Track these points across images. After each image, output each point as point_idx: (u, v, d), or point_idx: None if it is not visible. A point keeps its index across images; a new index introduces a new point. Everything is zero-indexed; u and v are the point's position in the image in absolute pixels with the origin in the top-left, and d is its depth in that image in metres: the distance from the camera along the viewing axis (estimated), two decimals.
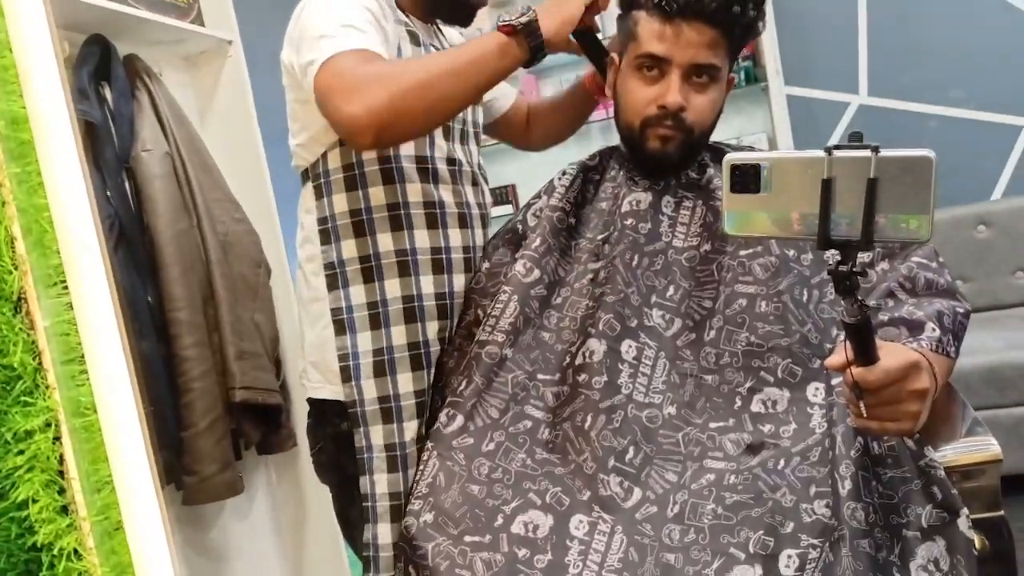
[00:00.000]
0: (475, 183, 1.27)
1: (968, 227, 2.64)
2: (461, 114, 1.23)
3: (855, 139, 0.66)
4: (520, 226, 1.20)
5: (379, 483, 1.11)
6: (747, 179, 0.69)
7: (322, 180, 1.16)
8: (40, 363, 0.50)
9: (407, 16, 1.20)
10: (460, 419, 1.05)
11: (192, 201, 1.62)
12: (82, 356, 0.52)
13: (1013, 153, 2.72)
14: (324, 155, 1.16)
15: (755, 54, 2.68)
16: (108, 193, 1.49)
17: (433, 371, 1.16)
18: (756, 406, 1.01)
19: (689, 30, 1.04)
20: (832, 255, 0.68)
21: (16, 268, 0.48)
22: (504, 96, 1.42)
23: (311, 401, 1.23)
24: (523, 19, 1.04)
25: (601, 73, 1.21)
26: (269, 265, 1.82)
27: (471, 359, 1.10)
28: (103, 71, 1.57)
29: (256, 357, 1.69)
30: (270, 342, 1.78)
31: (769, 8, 2.56)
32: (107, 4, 1.52)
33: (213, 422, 1.57)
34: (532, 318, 1.12)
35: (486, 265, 1.20)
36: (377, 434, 1.12)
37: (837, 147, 0.65)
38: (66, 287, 0.51)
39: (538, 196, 1.22)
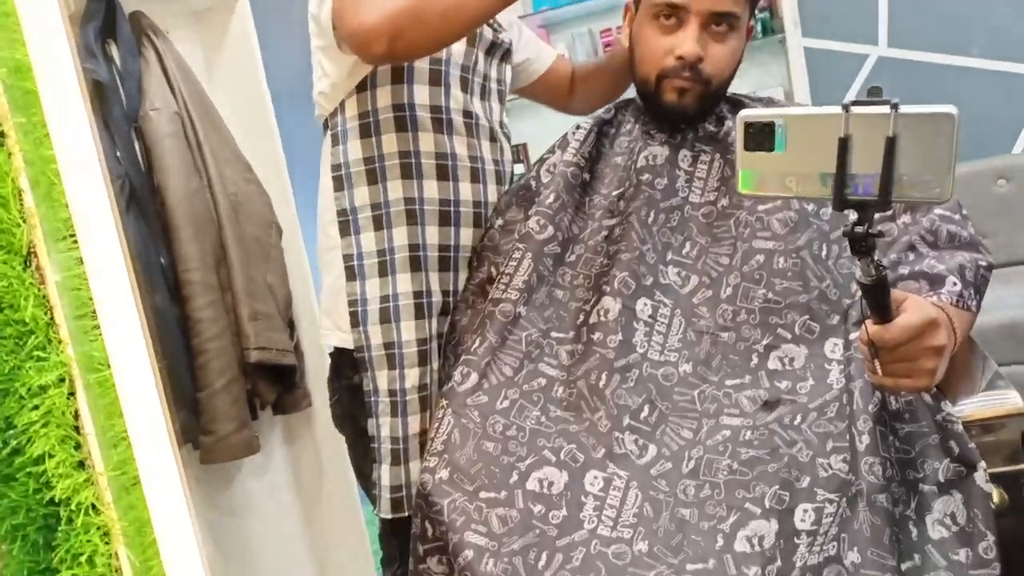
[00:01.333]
0: (493, 139, 1.26)
1: (988, 181, 2.59)
2: (483, 68, 1.23)
3: (874, 93, 0.63)
4: (533, 182, 1.19)
5: (383, 426, 1.14)
6: (761, 137, 0.67)
7: (339, 128, 1.18)
8: (52, 318, 0.49)
9: None
10: (474, 377, 1.05)
11: (202, 161, 1.61)
12: (94, 311, 0.52)
13: None
14: (342, 103, 1.17)
15: (772, 5, 2.62)
16: (118, 153, 1.48)
17: (435, 321, 1.18)
18: (773, 363, 1.00)
19: None
20: (849, 214, 0.66)
21: (25, 221, 0.47)
22: (540, 58, 1.41)
23: (330, 353, 1.25)
24: None
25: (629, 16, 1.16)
26: (280, 225, 1.81)
27: (485, 317, 1.10)
28: (109, 28, 1.54)
29: (269, 318, 1.69)
30: (283, 303, 1.78)
31: None
32: None
33: (229, 382, 1.58)
34: (546, 276, 1.11)
35: (499, 222, 1.19)
36: (382, 379, 1.15)
37: (855, 103, 0.63)
38: (76, 241, 0.50)
39: (551, 151, 1.21)
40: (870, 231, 0.65)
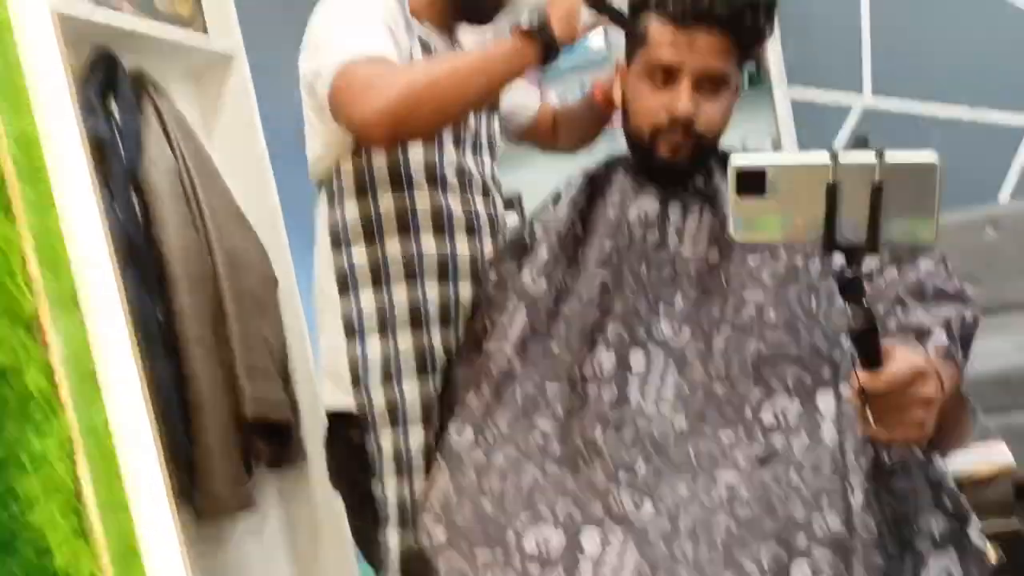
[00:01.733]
0: (486, 193, 1.28)
1: (976, 229, 2.62)
2: (474, 125, 1.26)
3: (860, 142, 0.65)
4: (527, 236, 1.20)
5: (388, 487, 1.13)
6: (753, 183, 0.69)
7: (335, 187, 1.19)
8: (54, 384, 0.50)
9: (421, 24, 1.22)
10: (470, 432, 1.05)
11: (199, 215, 1.63)
12: (96, 377, 0.52)
13: (1018, 154, 2.71)
14: (338, 163, 1.19)
15: (758, 57, 2.68)
16: (115, 208, 1.49)
17: (438, 376, 1.18)
18: (767, 417, 1.01)
19: (701, 37, 1.03)
20: (838, 259, 0.68)
21: (30, 290, 0.48)
22: (526, 107, 1.45)
23: (328, 413, 1.24)
24: (534, 21, 1.05)
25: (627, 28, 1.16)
26: (276, 278, 1.82)
27: (480, 371, 1.10)
28: (110, 84, 1.57)
29: (265, 372, 1.69)
30: (279, 356, 1.78)
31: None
32: (113, 20, 1.53)
33: (223, 438, 1.58)
34: (540, 329, 1.11)
35: (493, 276, 1.20)
36: (386, 439, 1.14)
37: (842, 152, 0.65)
38: (79, 309, 0.51)
39: (544, 206, 1.23)
40: (858, 274, 0.66)
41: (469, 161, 1.25)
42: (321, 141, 1.19)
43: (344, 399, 1.19)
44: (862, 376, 0.74)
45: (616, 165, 1.23)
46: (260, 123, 1.84)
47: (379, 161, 1.17)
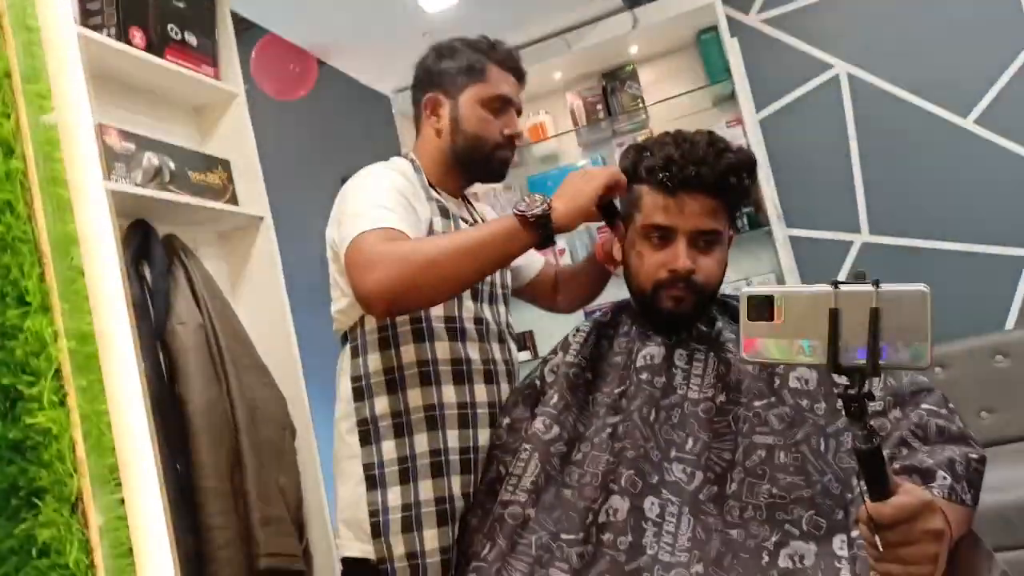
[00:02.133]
0: (502, 340, 1.34)
1: (986, 358, 2.63)
2: (490, 277, 1.33)
3: (858, 277, 0.71)
4: (538, 382, 1.24)
5: None
6: (762, 308, 0.74)
7: (359, 341, 1.25)
8: (92, 561, 0.53)
9: (438, 192, 1.33)
10: None
11: (223, 369, 1.69)
12: (130, 550, 0.55)
13: (1021, 282, 2.76)
14: (361, 319, 1.25)
15: (756, 200, 2.80)
16: (146, 370, 1.56)
17: (457, 526, 1.18)
18: (784, 561, 1.00)
19: (691, 202, 1.13)
20: (842, 381, 0.72)
21: (76, 471, 0.52)
22: (530, 265, 1.52)
23: (344, 561, 1.24)
24: (536, 211, 1.10)
25: (621, 235, 1.24)
26: (295, 428, 1.85)
27: (494, 520, 1.11)
28: (144, 251, 1.68)
29: (280, 522, 1.69)
30: (294, 505, 1.78)
31: (764, 159, 2.72)
32: (152, 193, 1.65)
33: None
34: (553, 475, 1.13)
35: (506, 421, 1.22)
36: None
37: (843, 282, 0.71)
38: (119, 484, 0.55)
39: (554, 352, 1.26)
40: (862, 391, 0.70)
41: (486, 311, 1.31)
42: (346, 301, 1.26)
43: (362, 547, 1.19)
44: (871, 505, 0.75)
45: (622, 312, 1.28)
46: (283, 280, 1.94)
47: (402, 316, 1.22)
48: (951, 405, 1.05)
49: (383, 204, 1.17)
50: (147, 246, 1.68)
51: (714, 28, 2.86)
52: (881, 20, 2.91)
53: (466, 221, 1.35)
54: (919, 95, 2.87)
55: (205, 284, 1.76)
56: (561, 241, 3.04)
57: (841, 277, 2.77)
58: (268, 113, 2.68)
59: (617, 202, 1.24)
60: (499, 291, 1.37)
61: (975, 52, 2.81)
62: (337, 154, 3.51)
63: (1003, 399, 2.59)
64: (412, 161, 1.35)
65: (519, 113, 1.38)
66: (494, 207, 1.50)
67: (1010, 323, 2.77)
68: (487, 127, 1.32)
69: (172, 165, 1.69)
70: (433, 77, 1.35)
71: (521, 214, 1.11)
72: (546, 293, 1.54)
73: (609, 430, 1.13)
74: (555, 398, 1.18)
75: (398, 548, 1.16)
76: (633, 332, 1.22)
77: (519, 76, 1.38)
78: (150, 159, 1.67)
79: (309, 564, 1.81)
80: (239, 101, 1.99)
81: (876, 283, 0.69)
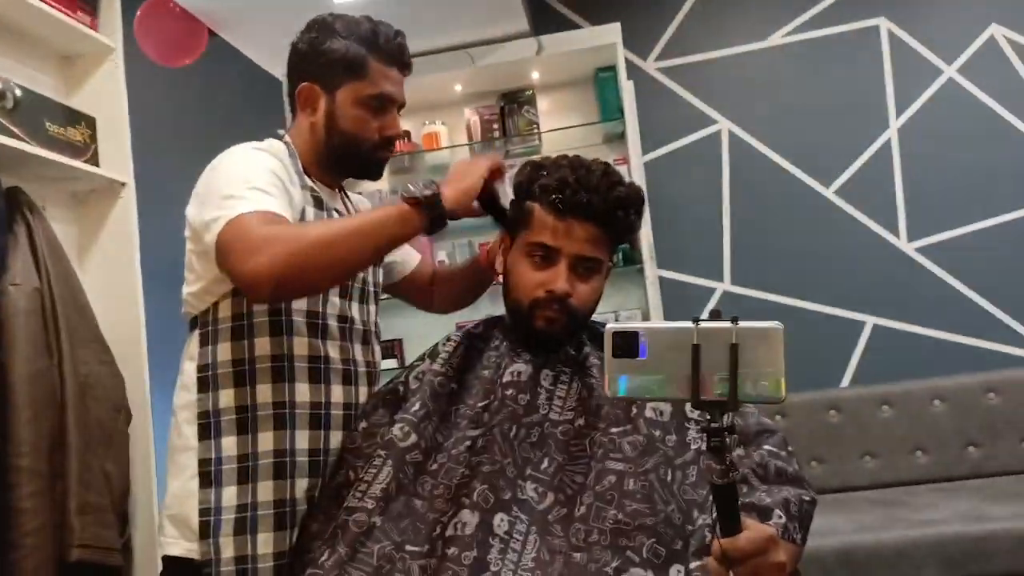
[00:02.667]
0: (366, 342, 1.29)
1: (820, 411, 2.83)
2: (361, 274, 1.28)
3: (714, 315, 0.74)
4: (401, 387, 1.21)
5: None
6: (627, 345, 0.75)
7: (209, 328, 1.17)
8: None
9: (313, 181, 1.27)
10: None
11: (56, 339, 1.55)
12: None
13: (858, 345, 3.00)
14: (215, 304, 1.17)
15: (632, 239, 2.89)
16: None
17: (295, 532, 1.13)
18: None
19: (578, 227, 1.15)
20: (703, 416, 0.74)
21: None
22: (405, 260, 1.47)
23: (165, 559, 1.16)
24: (426, 192, 1.11)
25: (507, 230, 1.25)
26: (130, 411, 1.72)
27: (337, 526, 1.07)
28: None
29: (100, 511, 1.56)
30: (119, 494, 1.65)
31: (646, 201, 2.82)
32: None
33: None
34: (406, 484, 1.10)
35: (363, 425, 1.19)
36: None
37: (703, 319, 0.73)
38: None
39: (421, 359, 1.25)
40: (724, 425, 0.72)
41: (354, 310, 1.27)
42: (200, 285, 1.18)
43: (187, 546, 1.12)
44: (725, 541, 0.78)
45: (495, 326, 1.28)
46: (139, 254, 1.81)
47: (260, 306, 1.16)
48: (790, 448, 1.11)
49: (259, 187, 1.10)
50: None
51: (613, 68, 2.95)
52: (766, 88, 3.12)
53: (340, 213, 1.30)
54: (789, 161, 3.08)
55: (49, 246, 1.61)
56: (441, 253, 3.02)
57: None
58: (145, 76, 2.52)
59: (505, 201, 1.25)
60: (370, 289, 1.32)
61: (842, 129, 3.05)
62: (217, 133, 3.32)
63: (832, 451, 2.79)
64: (287, 144, 1.26)
65: (402, 107, 1.30)
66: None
67: (845, 381, 3.00)
68: (364, 127, 1.25)
69: (18, 93, 1.53)
70: (309, 66, 1.26)
71: (411, 196, 1.10)
72: (422, 291, 1.51)
73: (468, 443, 1.12)
74: (416, 405, 1.16)
75: (227, 551, 1.09)
76: (503, 348, 1.22)
77: (403, 68, 1.29)
78: None
79: (128, 560, 1.68)
80: (115, 57, 1.85)
81: (735, 320, 0.72)
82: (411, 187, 1.12)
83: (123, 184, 1.81)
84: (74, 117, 1.76)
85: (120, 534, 1.63)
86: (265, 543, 1.09)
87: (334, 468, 1.17)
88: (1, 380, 1.45)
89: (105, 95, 1.83)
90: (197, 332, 1.19)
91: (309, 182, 1.25)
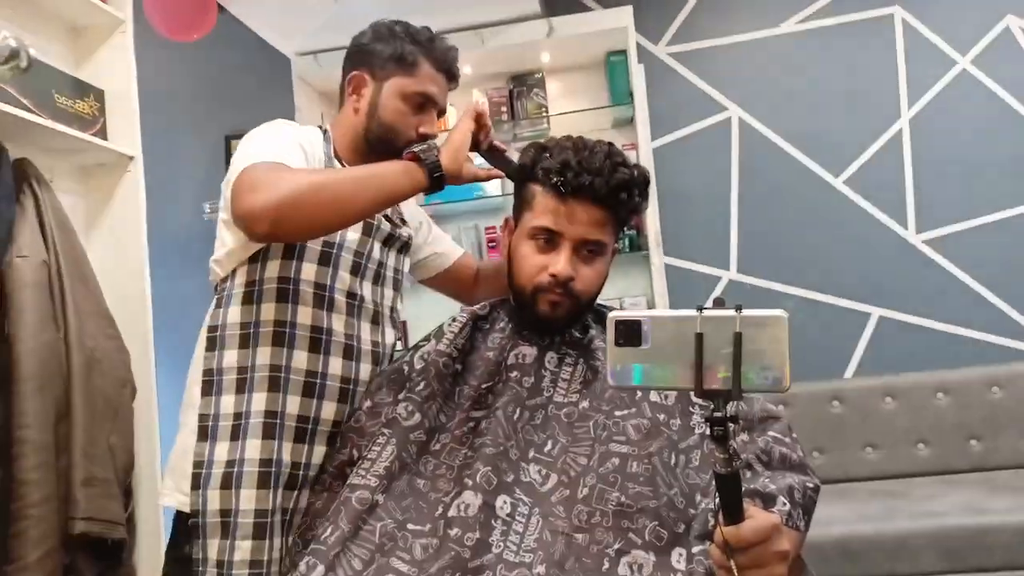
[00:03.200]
0: (375, 322, 1.30)
1: (823, 402, 2.83)
2: (379, 256, 1.30)
3: (718, 303, 0.73)
4: (406, 367, 1.21)
5: None
6: (630, 334, 0.75)
7: (225, 292, 1.22)
8: None
9: (342, 164, 1.31)
10: (320, 569, 1.00)
11: (63, 312, 1.55)
12: None
13: (863, 336, 2.99)
14: (234, 271, 1.22)
15: (639, 225, 2.89)
16: None
17: (279, 493, 1.15)
18: (623, 568, 1.02)
19: (581, 210, 1.14)
20: (707, 404, 0.73)
21: None
22: (446, 253, 1.51)
23: (173, 518, 1.20)
24: (432, 155, 1.18)
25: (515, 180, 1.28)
26: (135, 385, 1.73)
27: (340, 503, 1.07)
28: None
29: (105, 484, 1.57)
30: (123, 468, 1.66)
31: (652, 184, 2.80)
32: (6, 108, 1.49)
33: (44, 555, 1.43)
34: (409, 463, 1.11)
35: (367, 404, 1.19)
36: (212, 548, 1.11)
37: (707, 307, 0.73)
38: None
39: (427, 339, 1.24)
40: (727, 416, 0.71)
41: (366, 289, 1.28)
42: (224, 251, 1.22)
43: (180, 498, 1.17)
44: (728, 530, 0.78)
45: (500, 308, 1.27)
46: (146, 226, 1.81)
47: (271, 272, 1.20)
48: (794, 435, 1.11)
49: (280, 148, 1.15)
50: None
51: (623, 52, 2.93)
52: (776, 75, 3.09)
53: None
54: (799, 149, 3.06)
55: (56, 219, 1.61)
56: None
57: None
58: (154, 51, 2.50)
59: (511, 155, 1.28)
60: (388, 273, 1.34)
61: (853, 119, 3.03)
62: (225, 110, 3.33)
63: (833, 441, 2.79)
64: (324, 132, 1.33)
65: (442, 114, 1.37)
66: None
67: (849, 372, 2.99)
68: (403, 120, 1.31)
69: (32, 52, 1.51)
70: (364, 56, 1.34)
71: (411, 152, 1.18)
72: (464, 285, 1.53)
73: (471, 424, 1.12)
74: (421, 385, 1.16)
75: (213, 503, 1.13)
76: (508, 330, 1.22)
77: (451, 78, 1.38)
78: (5, 38, 1.47)
79: (132, 534, 1.69)
80: (124, 30, 1.84)
81: (738, 308, 0.71)
82: (418, 148, 1.19)
83: (131, 158, 1.81)
84: (83, 89, 1.75)
85: (124, 508, 1.64)
86: (248, 499, 1.12)
87: (338, 447, 1.18)
88: (7, 352, 1.46)
89: (114, 68, 1.83)
90: (215, 297, 1.24)
91: (337, 164, 1.29)
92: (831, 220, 3.02)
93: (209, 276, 1.27)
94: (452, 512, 1.04)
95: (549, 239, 1.15)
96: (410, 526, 1.05)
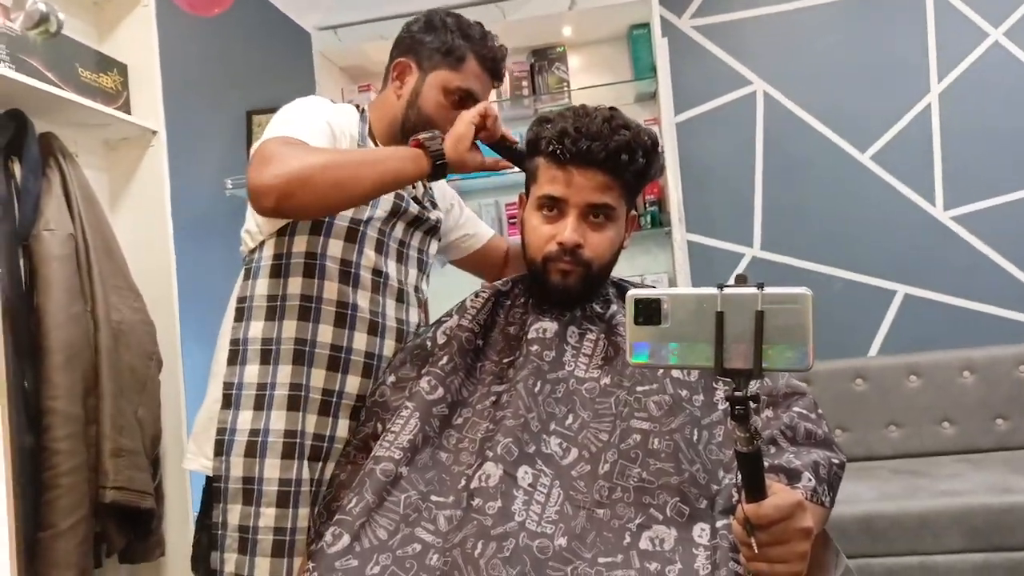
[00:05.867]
0: (400, 300, 1.32)
1: (847, 380, 2.81)
2: (401, 235, 1.31)
3: (740, 281, 0.72)
4: (429, 343, 1.22)
5: (228, 562, 1.13)
6: (649, 312, 0.74)
7: (254, 264, 1.24)
8: None
9: (376, 144, 1.33)
10: (346, 539, 1.02)
11: (90, 285, 1.57)
12: None
13: (888, 314, 2.95)
14: (262, 243, 1.24)
15: (661, 201, 2.86)
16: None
17: (304, 464, 1.17)
18: (644, 543, 1.02)
19: (581, 175, 1.13)
20: (728, 383, 0.72)
21: None
22: (477, 234, 1.53)
23: (204, 487, 1.23)
24: (437, 144, 1.19)
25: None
26: (161, 358, 1.75)
27: (365, 475, 1.08)
28: (15, 146, 1.53)
29: (133, 455, 1.59)
30: (151, 440, 1.68)
31: (675, 161, 2.78)
32: (27, 80, 1.50)
33: (76, 523, 1.46)
34: (431, 437, 1.11)
35: (391, 378, 1.20)
36: (234, 513, 1.14)
37: (728, 284, 0.71)
38: None
39: (449, 315, 1.25)
40: (747, 395, 0.71)
41: (390, 267, 1.29)
42: (253, 221, 1.25)
43: (203, 463, 1.20)
44: (749, 507, 0.77)
45: (521, 283, 1.27)
46: (170, 201, 1.82)
47: (299, 247, 1.21)
48: (820, 411, 1.10)
49: (301, 127, 1.15)
50: (20, 140, 1.53)
51: (647, 25, 2.89)
52: (802, 48, 3.03)
53: None
54: (826, 124, 3.01)
55: (82, 193, 1.62)
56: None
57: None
58: (177, 25, 2.50)
59: (522, 145, 1.26)
60: (412, 253, 1.35)
61: (881, 93, 2.97)
62: (246, 85, 3.32)
63: (856, 420, 2.78)
64: (362, 111, 1.34)
65: None
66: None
67: (873, 350, 2.96)
68: (442, 114, 1.32)
69: (61, 17, 1.50)
70: (413, 44, 1.35)
71: (416, 139, 1.19)
72: (495, 265, 1.55)
73: (493, 398, 1.12)
74: (444, 359, 1.17)
75: (236, 470, 1.15)
76: (529, 305, 1.22)
77: (496, 77, 1.38)
78: (35, 2, 1.47)
79: (160, 504, 1.72)
80: (147, 4, 1.84)
81: (760, 286, 0.70)
82: (425, 135, 1.20)
83: (154, 132, 1.81)
84: (106, 63, 1.76)
85: (152, 479, 1.67)
86: (272, 468, 1.15)
87: (363, 420, 1.19)
88: (36, 324, 1.48)
89: (137, 42, 1.83)
90: (244, 268, 1.26)
91: (371, 144, 1.31)
92: (857, 196, 2.98)
93: (240, 246, 1.29)
94: (474, 484, 1.05)
95: (555, 208, 1.16)
96: (434, 498, 1.06)
